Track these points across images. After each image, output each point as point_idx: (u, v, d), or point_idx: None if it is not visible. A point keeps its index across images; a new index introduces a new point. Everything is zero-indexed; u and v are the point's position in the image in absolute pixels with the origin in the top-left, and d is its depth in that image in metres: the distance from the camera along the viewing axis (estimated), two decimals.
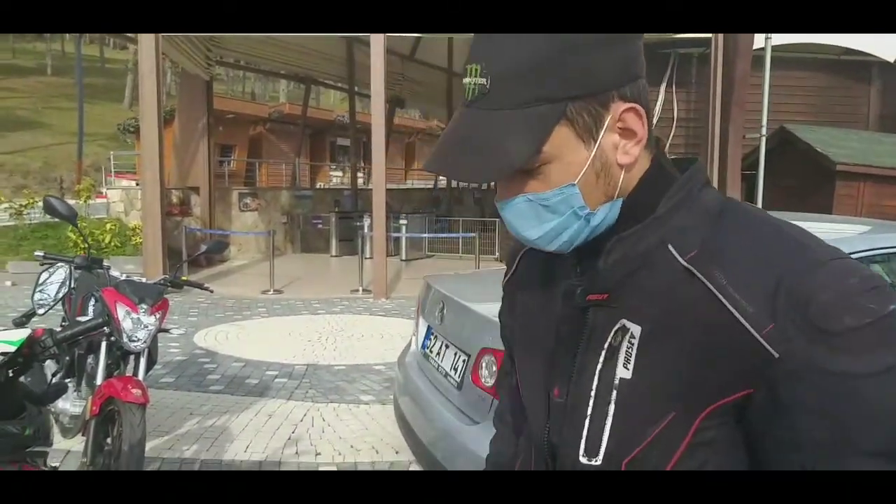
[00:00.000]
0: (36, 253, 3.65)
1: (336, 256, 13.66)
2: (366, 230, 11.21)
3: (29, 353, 1.54)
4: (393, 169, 25.40)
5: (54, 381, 1.60)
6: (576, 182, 0.76)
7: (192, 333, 6.65)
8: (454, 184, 22.07)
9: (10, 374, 1.51)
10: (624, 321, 0.77)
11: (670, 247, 0.76)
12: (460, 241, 13.14)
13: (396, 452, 3.87)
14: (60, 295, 1.54)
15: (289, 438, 4.11)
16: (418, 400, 3.01)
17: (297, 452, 3.91)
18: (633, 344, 0.76)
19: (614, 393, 0.77)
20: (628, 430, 0.77)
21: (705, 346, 0.71)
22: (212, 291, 3.93)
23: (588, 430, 0.79)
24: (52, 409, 3.50)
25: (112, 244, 10.24)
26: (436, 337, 3.05)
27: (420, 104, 23.84)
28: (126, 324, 3.22)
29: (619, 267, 0.79)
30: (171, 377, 5.23)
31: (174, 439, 4.02)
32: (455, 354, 2.78)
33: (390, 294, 9.23)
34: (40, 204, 9.05)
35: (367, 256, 10.45)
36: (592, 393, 0.79)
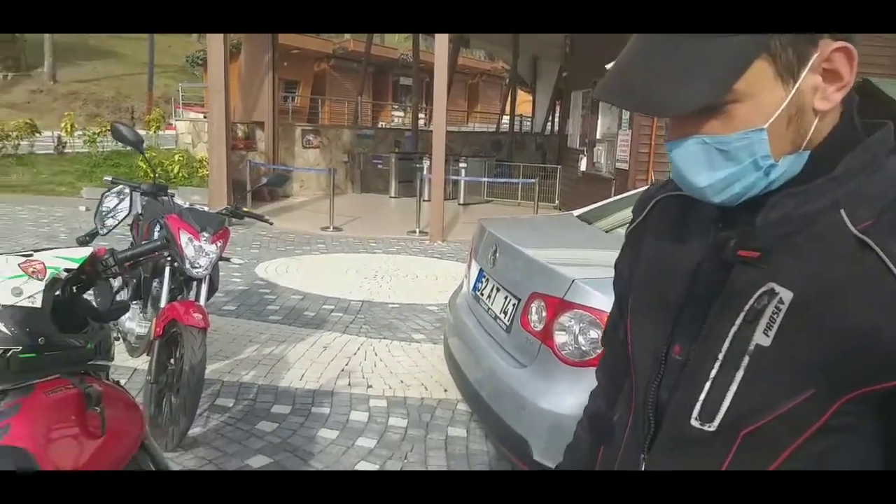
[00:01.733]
0: (105, 178, 3.79)
1: (395, 197, 13.73)
2: (425, 172, 11.21)
3: (91, 271, 1.61)
4: (455, 111, 25.15)
5: (116, 299, 1.67)
6: (765, 126, 0.68)
7: (254, 265, 6.85)
8: (516, 128, 21.75)
9: (74, 291, 1.59)
10: (773, 284, 0.70)
11: (843, 212, 0.69)
12: (520, 186, 13.01)
13: (445, 391, 3.94)
14: (121, 216, 1.60)
15: (342, 370, 4.23)
16: (467, 340, 3.05)
17: (349, 384, 4.03)
18: (780, 310, 0.69)
19: (746, 359, 0.72)
20: (755, 401, 0.72)
21: (868, 326, 0.65)
22: (271, 223, 4.01)
23: (707, 394, 0.75)
24: (121, 329, 3.69)
25: (180, 175, 10.55)
26: (487, 280, 3.06)
27: (485, 45, 23.34)
28: (188, 250, 3.34)
29: (778, 225, 0.72)
30: (232, 305, 5.44)
31: (234, 364, 4.20)
32: (505, 298, 2.78)
33: (446, 237, 9.27)
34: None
35: (426, 199, 10.47)
36: (721, 355, 0.74)
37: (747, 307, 0.73)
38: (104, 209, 1.73)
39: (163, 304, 3.34)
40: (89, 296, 1.69)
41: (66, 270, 1.51)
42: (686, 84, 0.66)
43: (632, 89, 0.69)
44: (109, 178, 3.70)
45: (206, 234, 3.40)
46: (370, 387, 4.01)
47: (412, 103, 18.44)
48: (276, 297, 5.78)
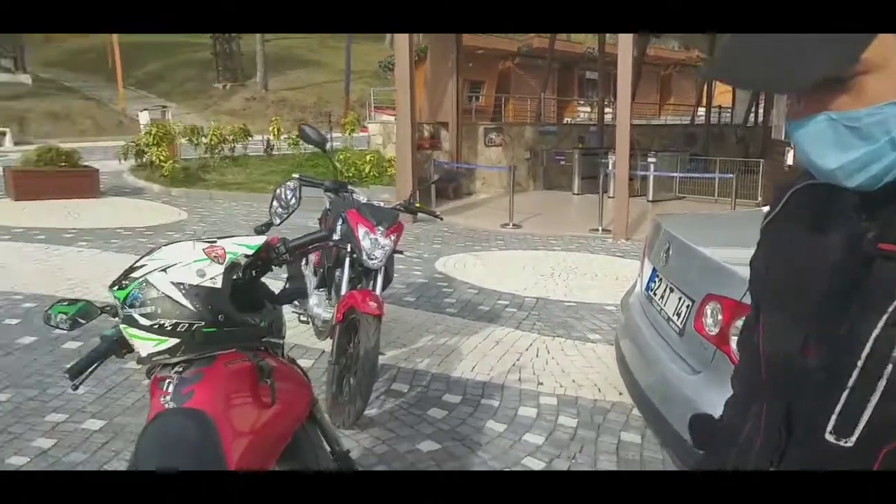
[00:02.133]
0: (293, 175, 4.14)
1: (578, 194, 13.49)
2: (610, 168, 10.88)
3: (266, 258, 1.76)
4: (644, 104, 24.13)
5: (289, 286, 1.82)
6: None
7: (434, 259, 7.10)
8: (713, 120, 20.37)
9: (254, 274, 1.76)
10: None
11: None
12: (716, 182, 12.15)
13: (620, 393, 3.80)
14: (292, 209, 1.76)
15: (513, 365, 4.25)
16: (639, 342, 2.91)
17: (519, 379, 4.04)
18: None
19: (889, 367, 0.64)
20: None
21: None
22: (441, 219, 4.13)
23: (844, 405, 0.67)
24: (310, 314, 4.01)
25: (371, 174, 11.22)
26: (660, 279, 2.89)
27: (678, 34, 22.12)
28: (365, 243, 3.55)
29: None
30: (412, 297, 5.68)
31: (410, 352, 4.39)
32: (679, 299, 2.61)
33: (631, 235, 8.93)
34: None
35: (610, 195, 10.17)
36: (860, 363, 0.66)
37: (891, 309, 0.63)
38: (277, 202, 1.89)
39: (343, 292, 3.58)
40: (273, 279, 1.85)
41: (246, 256, 1.66)
42: (807, 56, 0.59)
43: (748, 66, 0.63)
44: (297, 176, 4.03)
45: (381, 228, 3.58)
46: (541, 384, 3.98)
47: (598, 98, 18.00)
48: (452, 291, 5.94)
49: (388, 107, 18.82)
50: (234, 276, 1.64)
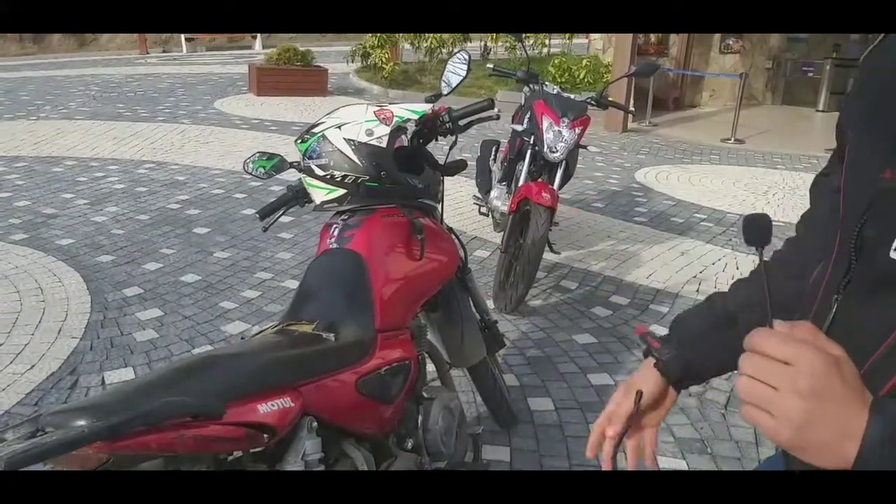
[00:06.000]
0: (488, 66, 4.19)
1: (823, 112, 11.91)
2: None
3: (432, 126, 1.88)
4: None
5: (455, 159, 1.93)
6: None
7: (635, 169, 6.81)
8: None
9: (420, 142, 1.90)
10: None
11: None
12: None
13: None
14: (459, 80, 1.82)
15: (694, 276, 4.06)
16: None
17: (697, 290, 3.87)
18: None
19: None
20: None
21: None
22: (632, 112, 3.95)
23: None
24: (490, 206, 4.14)
25: (585, 80, 10.83)
26: None
27: None
28: (548, 135, 3.53)
29: None
30: (601, 203, 5.57)
31: (586, 254, 4.37)
32: None
33: None
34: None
35: None
36: None
37: None
38: (448, 74, 1.94)
39: (521, 182, 3.64)
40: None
41: (412, 121, 1.80)
42: None
43: None
44: (492, 66, 4.08)
45: (566, 120, 3.53)
46: None
47: None
48: (647, 201, 5.71)
49: None
50: (400, 141, 1.79)
